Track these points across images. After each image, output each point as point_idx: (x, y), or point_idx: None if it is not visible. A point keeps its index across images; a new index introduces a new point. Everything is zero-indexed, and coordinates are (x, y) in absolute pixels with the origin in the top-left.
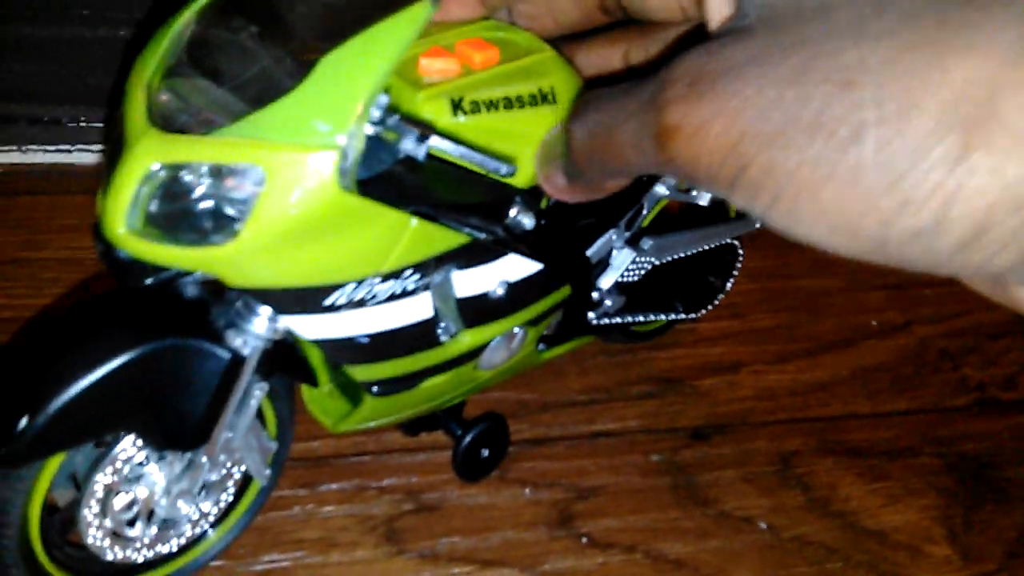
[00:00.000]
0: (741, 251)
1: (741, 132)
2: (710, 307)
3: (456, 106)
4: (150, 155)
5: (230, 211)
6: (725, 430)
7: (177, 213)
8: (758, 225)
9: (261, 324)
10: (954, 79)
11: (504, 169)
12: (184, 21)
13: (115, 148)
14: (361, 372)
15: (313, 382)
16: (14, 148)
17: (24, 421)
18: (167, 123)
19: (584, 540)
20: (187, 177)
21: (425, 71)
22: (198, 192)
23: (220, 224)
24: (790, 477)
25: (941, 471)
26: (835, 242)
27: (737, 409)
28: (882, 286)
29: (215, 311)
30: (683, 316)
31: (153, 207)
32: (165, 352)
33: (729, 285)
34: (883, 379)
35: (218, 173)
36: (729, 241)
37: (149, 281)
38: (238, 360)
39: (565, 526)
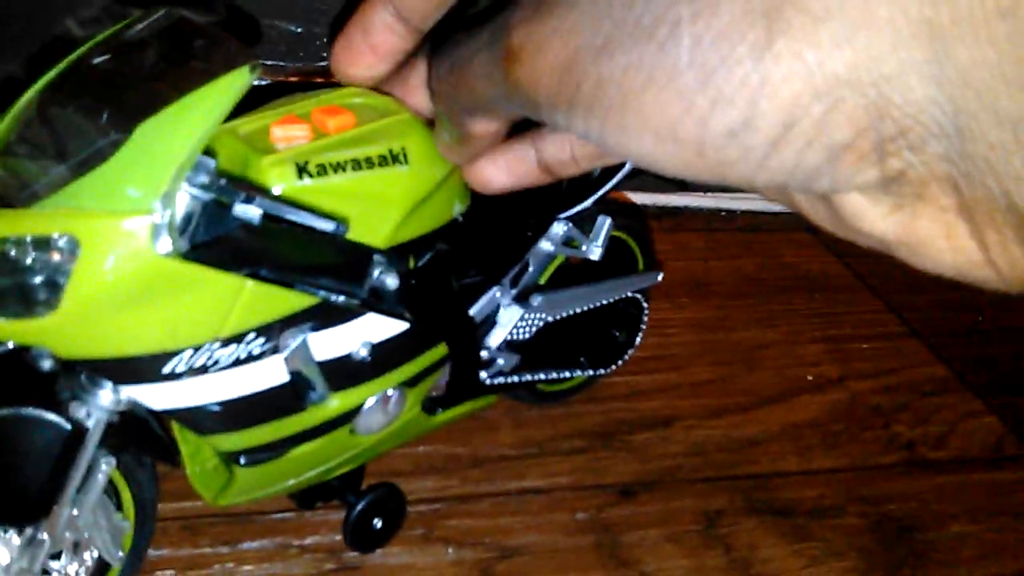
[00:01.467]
0: (646, 304)
1: (576, 48)
2: (618, 363)
3: (301, 170)
4: None
5: (56, 281)
6: (653, 487)
7: (4, 286)
8: (659, 277)
9: (106, 395)
10: None
11: (332, 228)
12: (25, 100)
13: None
14: (223, 442)
15: (170, 460)
16: None
17: None
18: None
19: None
20: (11, 250)
21: (276, 139)
22: (24, 264)
23: (46, 295)
24: (713, 537)
25: (864, 532)
26: (661, 152)
27: (667, 465)
28: (820, 339)
29: (61, 382)
30: (590, 372)
31: None
32: (1, 422)
33: (637, 340)
34: (813, 435)
35: (41, 244)
36: (631, 295)
37: None
38: (80, 432)
39: None
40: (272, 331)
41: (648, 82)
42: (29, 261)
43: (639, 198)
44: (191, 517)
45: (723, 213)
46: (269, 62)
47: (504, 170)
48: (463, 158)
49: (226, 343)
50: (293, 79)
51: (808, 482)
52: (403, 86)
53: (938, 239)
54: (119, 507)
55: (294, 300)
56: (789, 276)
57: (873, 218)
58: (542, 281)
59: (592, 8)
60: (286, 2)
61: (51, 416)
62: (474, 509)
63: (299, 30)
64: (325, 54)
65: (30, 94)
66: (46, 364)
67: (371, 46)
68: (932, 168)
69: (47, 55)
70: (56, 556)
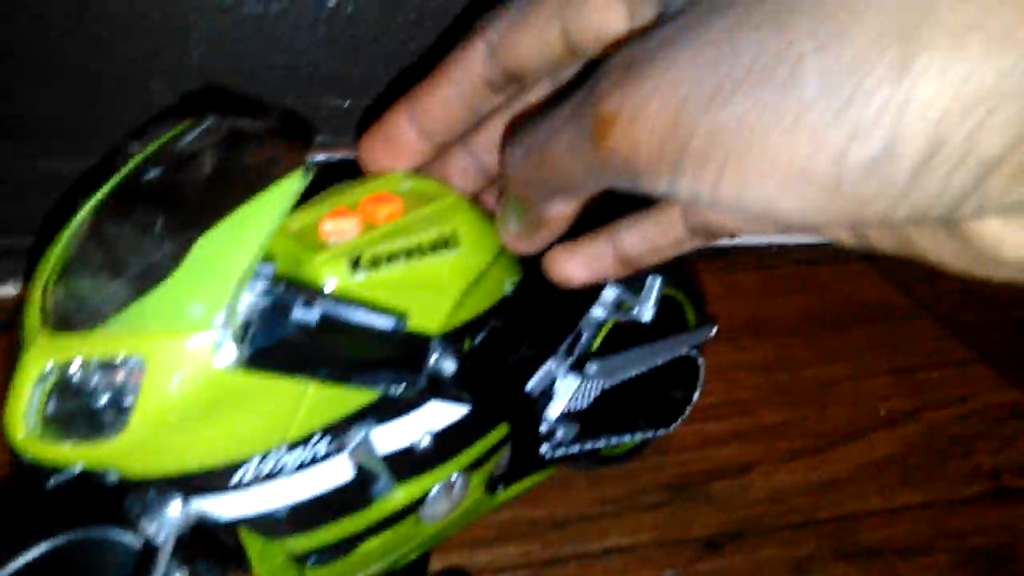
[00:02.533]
0: (701, 360)
1: (680, 102)
2: (678, 421)
3: (355, 264)
4: (40, 357)
5: (123, 403)
6: (738, 538)
7: (73, 411)
8: (713, 332)
9: (175, 509)
10: None
11: (391, 325)
12: (79, 220)
13: (16, 353)
14: (292, 544)
15: (242, 565)
16: None
17: None
18: (61, 322)
19: None
20: (78, 374)
21: (327, 234)
22: (91, 387)
23: (115, 417)
24: None
25: (956, 568)
26: (789, 199)
27: (749, 514)
28: (888, 371)
29: (130, 499)
30: (650, 433)
31: (49, 408)
32: (74, 545)
33: (695, 396)
34: (894, 472)
35: (106, 366)
36: (685, 353)
37: (53, 482)
38: (152, 548)
39: None
40: (337, 430)
41: (771, 124)
42: (96, 384)
43: None
44: None
45: (775, 249)
46: (319, 139)
47: (584, 266)
48: (534, 246)
49: (292, 447)
50: (340, 156)
51: (894, 520)
52: (443, 171)
53: None
54: None
55: (356, 397)
56: (848, 309)
57: (1017, 244)
58: (594, 347)
59: (694, 61)
60: (335, 77)
61: (122, 535)
62: (561, 573)
63: (347, 104)
64: None
65: (83, 213)
66: (112, 479)
67: (394, 152)
68: None
69: (103, 168)
70: None
